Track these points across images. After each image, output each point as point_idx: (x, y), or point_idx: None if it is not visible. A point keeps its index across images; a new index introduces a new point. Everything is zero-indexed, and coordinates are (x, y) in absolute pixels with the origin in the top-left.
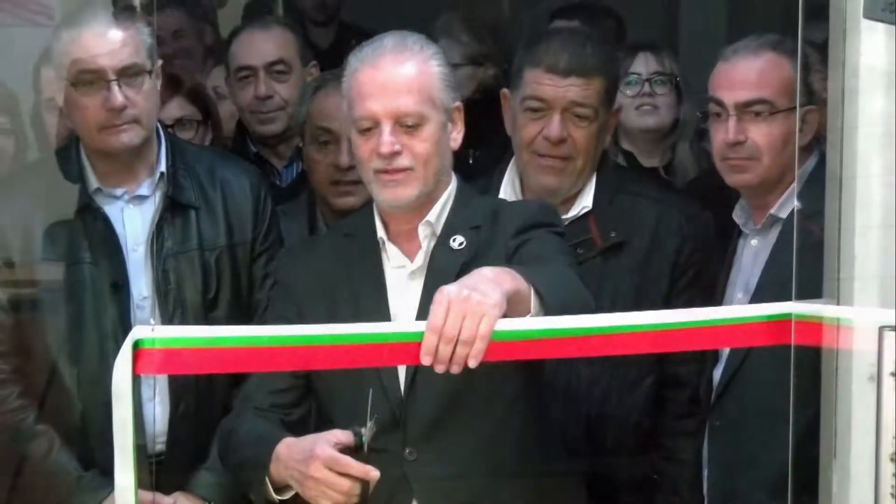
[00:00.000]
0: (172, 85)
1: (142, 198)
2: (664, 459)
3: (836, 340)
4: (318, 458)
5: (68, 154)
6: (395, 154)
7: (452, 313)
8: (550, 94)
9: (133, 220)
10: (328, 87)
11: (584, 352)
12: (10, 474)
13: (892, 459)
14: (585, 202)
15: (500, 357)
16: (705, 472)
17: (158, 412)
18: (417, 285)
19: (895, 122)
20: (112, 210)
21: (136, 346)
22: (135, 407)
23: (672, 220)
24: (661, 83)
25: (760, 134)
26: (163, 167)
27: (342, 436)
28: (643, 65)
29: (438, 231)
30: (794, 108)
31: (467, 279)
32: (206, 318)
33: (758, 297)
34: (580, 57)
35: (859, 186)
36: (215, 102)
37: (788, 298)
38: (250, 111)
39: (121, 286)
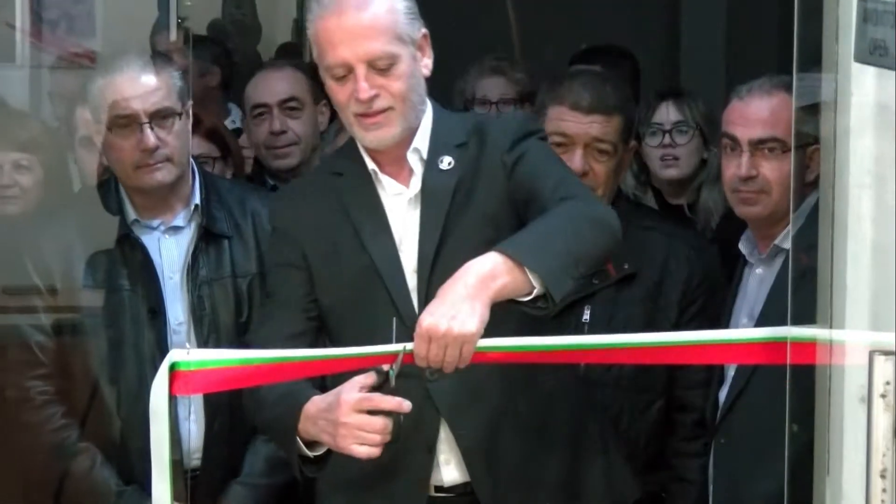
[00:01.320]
0: (194, 124)
1: (177, 228)
2: (672, 479)
3: (828, 363)
4: (346, 403)
5: (108, 188)
6: (373, 97)
7: (434, 346)
8: (574, 130)
9: (169, 249)
10: None
11: (603, 359)
12: (53, 491)
13: (882, 476)
14: None
15: (515, 360)
16: (710, 489)
17: (194, 430)
18: (415, 209)
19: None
20: (149, 240)
21: (173, 368)
22: (171, 425)
23: (680, 253)
24: (682, 132)
25: (771, 169)
26: (197, 199)
27: (365, 378)
28: (665, 115)
29: (425, 155)
30: (804, 146)
31: (450, 295)
32: (239, 340)
33: (761, 322)
34: (601, 96)
35: (850, 221)
36: (235, 139)
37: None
38: (265, 147)
39: (157, 312)
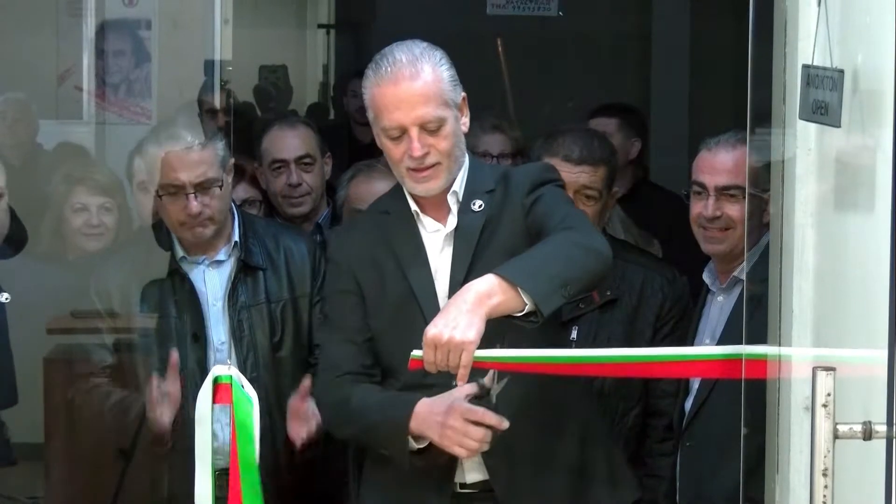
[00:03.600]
0: (239, 173)
1: (219, 262)
2: (646, 475)
3: (777, 377)
4: (457, 410)
5: (160, 229)
6: (425, 155)
7: (439, 353)
8: (565, 179)
9: (213, 280)
10: (360, 176)
11: (586, 371)
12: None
13: (824, 475)
14: None
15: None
16: (678, 484)
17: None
18: (450, 245)
19: (828, 204)
20: (195, 274)
21: (216, 381)
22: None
23: (655, 282)
24: None
25: (734, 210)
26: (236, 237)
27: (469, 388)
28: None
29: (461, 198)
30: (762, 191)
31: (452, 310)
32: (273, 358)
33: (722, 342)
34: (589, 149)
35: (796, 255)
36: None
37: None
38: (282, 196)
39: (200, 336)
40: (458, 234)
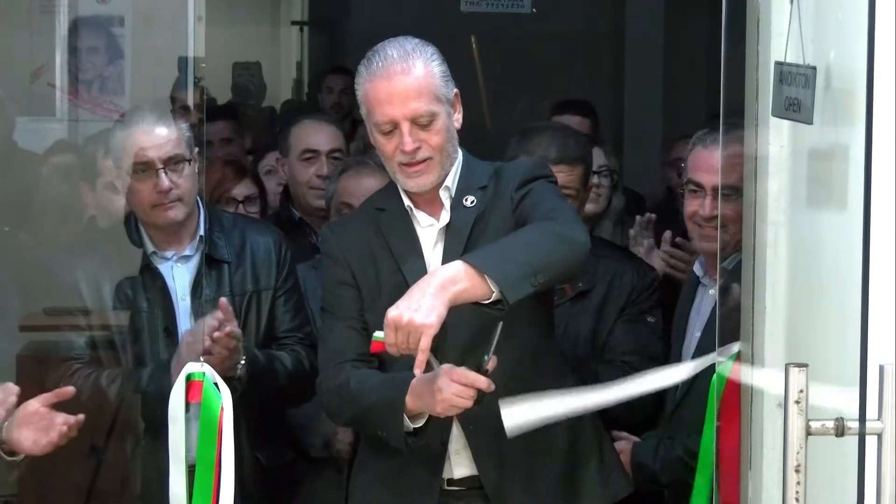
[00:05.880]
0: (241, 171)
1: (187, 257)
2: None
3: (751, 374)
4: (448, 374)
5: (130, 225)
6: (416, 149)
7: (399, 334)
8: None
9: (181, 275)
10: (350, 171)
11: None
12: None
13: (796, 470)
14: None
15: None
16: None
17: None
18: (442, 239)
19: (800, 201)
20: (165, 269)
21: (189, 378)
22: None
23: (625, 275)
24: (605, 175)
25: (729, 210)
26: (202, 231)
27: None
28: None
29: (453, 193)
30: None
31: (416, 293)
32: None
33: (707, 334)
34: (566, 149)
35: (769, 254)
36: (264, 184)
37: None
38: (309, 186)
39: (171, 331)
40: (450, 230)
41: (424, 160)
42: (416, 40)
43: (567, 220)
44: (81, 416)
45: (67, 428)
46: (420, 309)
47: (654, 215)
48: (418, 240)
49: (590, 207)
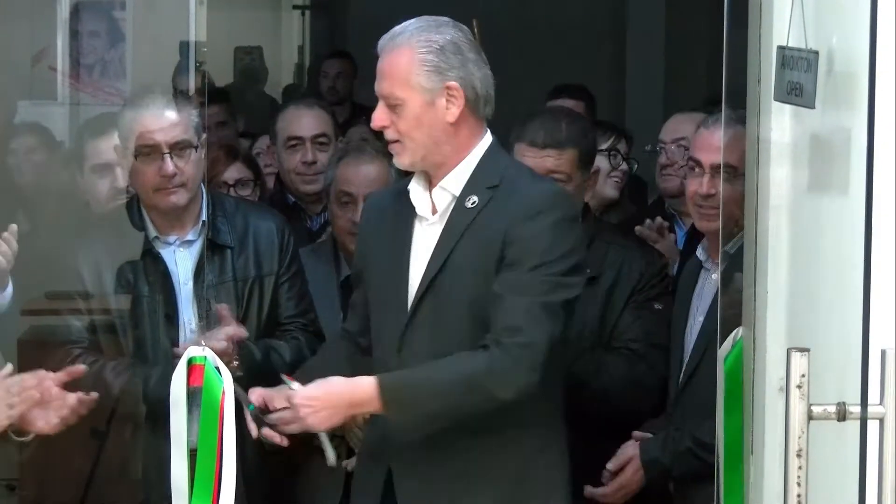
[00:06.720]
0: (232, 154)
1: (190, 242)
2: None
3: (752, 358)
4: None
5: (132, 209)
6: (384, 127)
7: (294, 412)
8: (531, 164)
9: (184, 260)
10: (348, 157)
11: None
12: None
13: (798, 455)
14: None
15: None
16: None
17: None
18: (436, 235)
19: (801, 186)
20: (167, 254)
21: (190, 362)
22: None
23: (634, 262)
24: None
25: (728, 190)
26: (204, 216)
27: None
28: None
29: (458, 193)
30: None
31: (329, 399)
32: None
33: (710, 318)
34: (554, 133)
35: (770, 238)
36: (261, 167)
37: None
38: (296, 173)
39: (172, 316)
40: (445, 229)
41: (393, 141)
42: (426, 23)
43: (513, 339)
44: (95, 395)
45: (79, 404)
46: (320, 414)
47: (666, 223)
48: (412, 229)
49: (612, 193)
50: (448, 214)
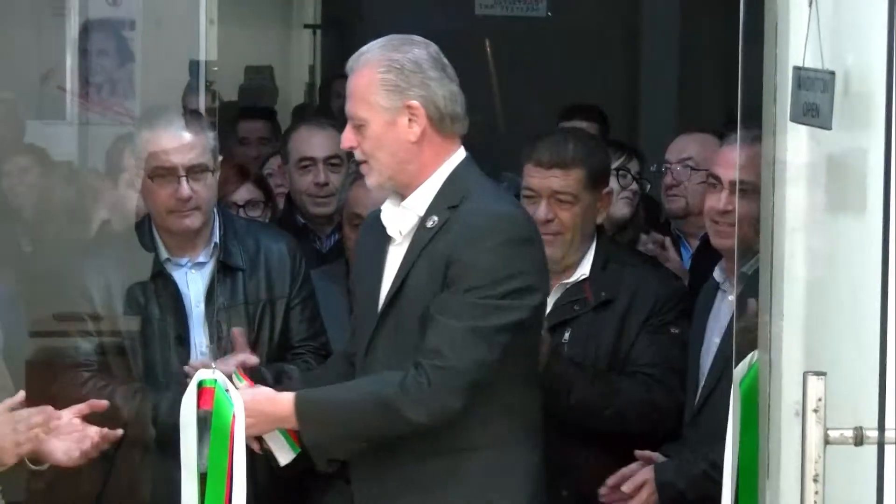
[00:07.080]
0: (242, 174)
1: (201, 264)
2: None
3: (768, 382)
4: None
5: (143, 229)
6: (352, 148)
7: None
8: (537, 184)
9: (196, 282)
10: (361, 180)
11: None
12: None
13: (814, 480)
14: (584, 270)
15: None
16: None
17: None
18: (401, 256)
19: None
20: (178, 275)
21: (200, 385)
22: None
23: (650, 285)
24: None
25: (744, 207)
26: (216, 238)
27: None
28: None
29: (423, 213)
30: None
31: (262, 413)
32: None
33: (725, 340)
34: (561, 154)
35: (786, 260)
36: (272, 187)
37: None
38: (307, 194)
39: (184, 338)
40: (408, 249)
41: (362, 162)
42: (390, 42)
43: (434, 361)
44: (120, 431)
45: (102, 439)
46: (255, 427)
47: (668, 239)
48: (386, 249)
49: (623, 212)
50: (412, 235)
